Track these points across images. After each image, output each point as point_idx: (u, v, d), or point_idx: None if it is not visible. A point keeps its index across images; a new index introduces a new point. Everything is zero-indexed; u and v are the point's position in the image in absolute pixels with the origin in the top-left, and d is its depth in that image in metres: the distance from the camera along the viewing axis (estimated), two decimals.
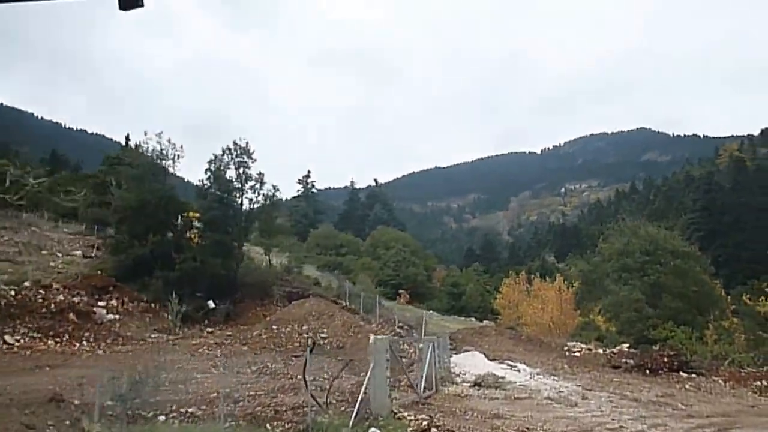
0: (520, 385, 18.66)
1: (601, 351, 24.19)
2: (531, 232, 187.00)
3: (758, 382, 17.61)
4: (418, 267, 48.44)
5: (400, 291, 44.04)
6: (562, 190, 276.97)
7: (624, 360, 21.83)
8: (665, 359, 20.11)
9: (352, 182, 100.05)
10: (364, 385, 11.60)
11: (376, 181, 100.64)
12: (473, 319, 36.45)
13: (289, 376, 17.01)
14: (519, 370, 21.71)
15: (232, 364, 18.85)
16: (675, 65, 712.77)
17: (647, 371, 20.27)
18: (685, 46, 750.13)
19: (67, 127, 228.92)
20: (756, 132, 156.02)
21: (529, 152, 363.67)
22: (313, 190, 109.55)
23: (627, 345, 23.50)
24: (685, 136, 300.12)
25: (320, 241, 70.51)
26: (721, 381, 18.07)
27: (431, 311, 39.46)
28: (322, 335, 23.07)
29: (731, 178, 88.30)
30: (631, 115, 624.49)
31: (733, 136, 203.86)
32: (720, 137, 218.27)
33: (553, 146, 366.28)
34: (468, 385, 18.31)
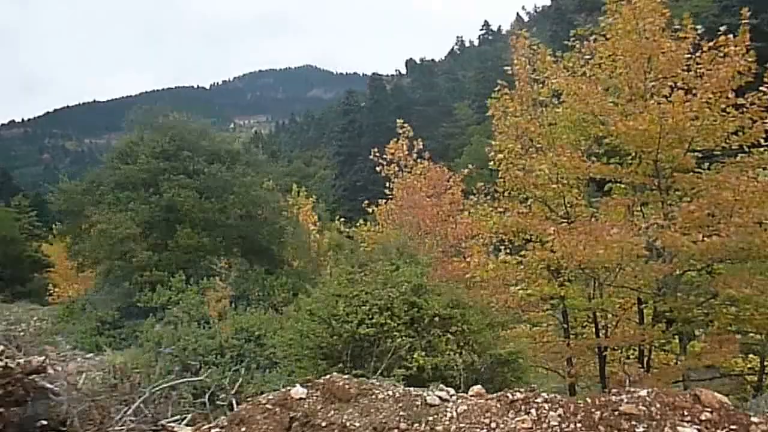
0: None
1: None
2: None
3: None
4: None
5: None
6: (231, 125, 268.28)
7: None
8: None
9: None
10: None
11: None
12: None
13: None
14: None
15: None
16: (337, 7, 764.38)
17: None
18: None
19: None
20: (403, 70, 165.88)
21: (198, 86, 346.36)
22: None
23: None
24: (346, 73, 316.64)
25: None
26: None
27: None
28: None
29: (369, 98, 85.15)
30: (298, 52, 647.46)
31: (387, 74, 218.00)
32: (376, 74, 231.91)
33: (222, 81, 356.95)
34: None
